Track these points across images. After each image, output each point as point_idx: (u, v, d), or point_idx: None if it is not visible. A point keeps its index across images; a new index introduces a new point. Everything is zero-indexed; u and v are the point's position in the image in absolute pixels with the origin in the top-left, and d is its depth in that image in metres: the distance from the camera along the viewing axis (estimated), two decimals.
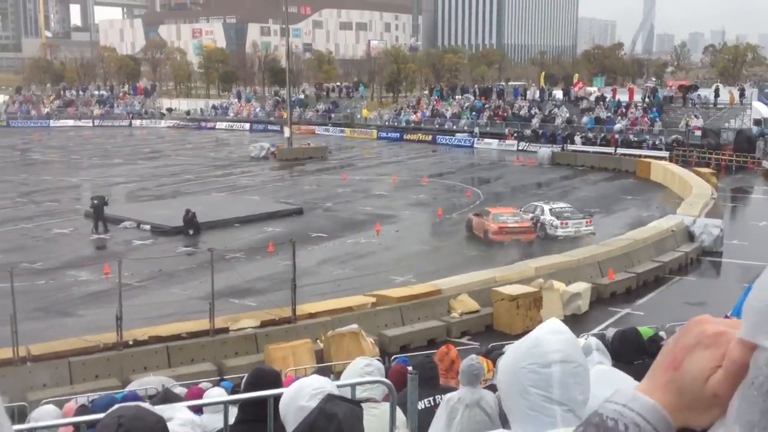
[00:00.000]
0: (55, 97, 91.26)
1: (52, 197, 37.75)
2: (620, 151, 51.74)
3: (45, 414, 6.09)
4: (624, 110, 58.44)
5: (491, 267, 22.61)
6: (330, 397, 2.55)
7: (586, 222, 28.48)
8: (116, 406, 2.40)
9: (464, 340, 17.94)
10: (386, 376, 5.01)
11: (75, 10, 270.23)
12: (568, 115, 59.90)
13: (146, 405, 2.59)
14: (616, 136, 53.96)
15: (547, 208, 28.64)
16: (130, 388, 12.19)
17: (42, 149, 61.13)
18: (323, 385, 2.79)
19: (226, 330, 17.38)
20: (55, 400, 9.97)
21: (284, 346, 16.42)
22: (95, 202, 29.40)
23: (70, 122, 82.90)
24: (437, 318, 18.94)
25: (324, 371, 13.21)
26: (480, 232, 27.76)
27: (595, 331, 15.16)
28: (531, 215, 28.45)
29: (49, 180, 43.68)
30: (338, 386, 3.21)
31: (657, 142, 51.91)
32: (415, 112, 70.24)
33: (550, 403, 1.73)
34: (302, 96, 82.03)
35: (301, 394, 2.70)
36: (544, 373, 1.74)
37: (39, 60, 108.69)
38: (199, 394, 8.61)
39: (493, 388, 5.42)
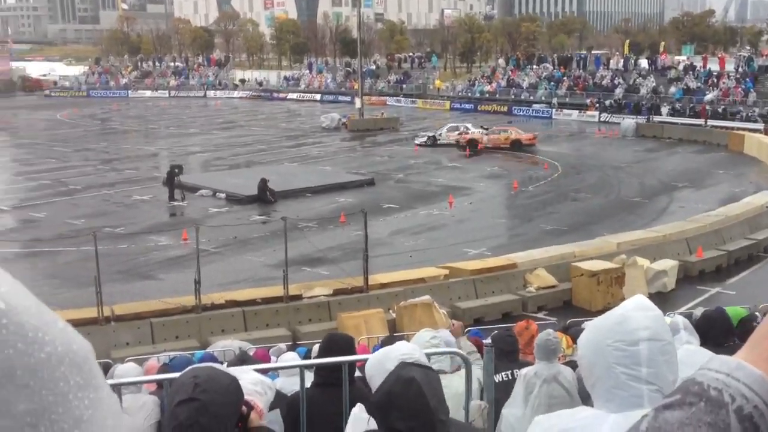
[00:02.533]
0: (133, 68, 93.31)
1: (131, 165, 38.66)
2: (711, 123, 49.65)
3: (126, 371, 6.19)
4: (715, 80, 56.14)
5: (569, 242, 22.17)
6: (404, 364, 2.55)
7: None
8: (191, 367, 2.43)
9: (541, 315, 17.68)
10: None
11: None
12: (654, 85, 58.05)
13: (221, 366, 2.63)
14: (707, 107, 51.86)
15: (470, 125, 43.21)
16: (209, 350, 12.42)
17: (121, 119, 62.67)
18: (411, 351, 2.73)
19: (299, 297, 17.57)
20: (137, 359, 10.20)
21: (357, 315, 16.49)
22: (175, 170, 29.99)
23: (147, 93, 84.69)
24: (512, 292, 18.71)
25: (394, 341, 13.18)
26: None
27: (682, 310, 14.70)
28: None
29: (128, 148, 44.76)
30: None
31: (751, 114, 49.65)
32: (489, 83, 69.20)
33: (637, 381, 1.69)
34: (373, 67, 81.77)
35: (389, 357, 2.67)
36: (631, 351, 1.70)
37: (116, 32, 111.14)
38: (266, 356, 8.68)
39: (572, 364, 5.29)
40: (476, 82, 71.43)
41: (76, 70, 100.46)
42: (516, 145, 41.76)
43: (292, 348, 11.34)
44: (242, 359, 7.27)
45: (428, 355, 4.10)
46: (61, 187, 32.44)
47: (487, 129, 44.05)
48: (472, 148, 41.39)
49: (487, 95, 67.21)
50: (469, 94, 68.99)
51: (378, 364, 2.71)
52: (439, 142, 43.24)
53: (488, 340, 5.97)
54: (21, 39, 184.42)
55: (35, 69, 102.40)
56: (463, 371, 4.47)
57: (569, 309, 18.03)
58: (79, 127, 56.11)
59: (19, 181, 34.94)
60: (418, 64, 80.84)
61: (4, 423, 0.62)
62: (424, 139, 44.26)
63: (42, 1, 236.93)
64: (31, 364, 0.64)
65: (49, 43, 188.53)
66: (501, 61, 76.97)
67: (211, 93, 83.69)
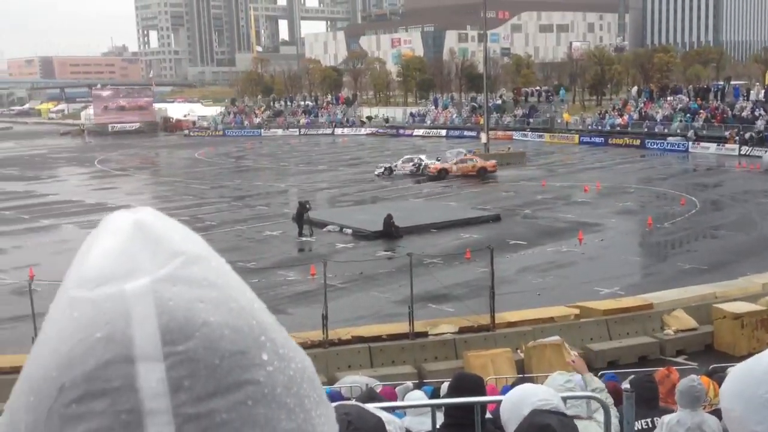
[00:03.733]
0: (266, 108, 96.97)
1: (263, 201, 39.88)
2: None
3: None
4: None
5: (709, 281, 20.95)
6: (540, 411, 2.47)
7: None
8: (337, 404, 2.50)
9: (680, 359, 16.70)
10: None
11: (283, 26, 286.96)
12: None
13: (365, 405, 2.74)
14: None
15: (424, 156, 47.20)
16: (336, 386, 12.40)
17: (254, 157, 65.01)
18: (548, 396, 2.54)
19: (425, 334, 17.37)
20: None
21: (484, 354, 16.09)
22: (304, 207, 30.66)
23: (279, 131, 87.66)
24: (649, 334, 17.78)
25: (525, 383, 12.74)
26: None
27: None
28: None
29: (260, 185, 46.24)
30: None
31: None
32: (621, 116, 67.33)
33: None
34: (499, 101, 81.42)
35: (525, 402, 2.49)
36: None
37: (251, 73, 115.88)
38: (392, 394, 8.52)
39: (717, 413, 4.90)
40: (607, 115, 69.69)
41: (213, 110, 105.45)
42: (482, 173, 45.51)
43: (418, 386, 11.13)
44: (370, 396, 7.21)
45: (564, 399, 3.88)
46: (198, 222, 33.75)
47: (439, 159, 47.57)
48: (442, 176, 44.85)
49: (619, 128, 65.35)
50: (599, 128, 67.32)
51: (514, 408, 2.60)
52: (394, 173, 46.88)
53: (627, 385, 5.61)
54: (163, 81, 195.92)
55: (176, 110, 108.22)
56: (599, 416, 4.28)
57: (711, 353, 16.92)
58: (214, 165, 58.60)
59: None
60: (546, 98, 79.82)
61: None
62: (381, 170, 47.42)
63: (183, 45, 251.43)
64: (285, 382, 0.65)
65: (188, 85, 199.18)
66: (633, 92, 74.85)
67: (339, 130, 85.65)
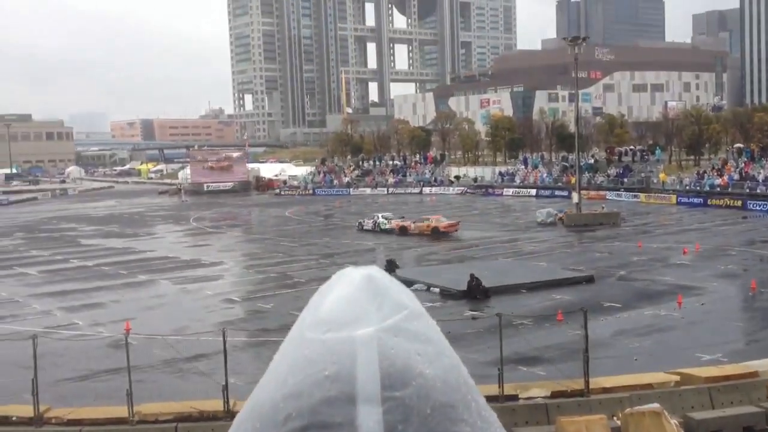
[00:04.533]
0: (355, 167, 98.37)
1: (350, 259, 40.02)
2: None
3: None
4: None
5: None
6: None
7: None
8: None
9: None
10: None
11: (373, 88, 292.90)
12: None
13: None
14: None
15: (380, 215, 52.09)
16: None
17: (342, 215, 65.71)
18: None
19: (515, 397, 16.79)
20: None
21: (577, 420, 15.39)
22: (391, 265, 30.58)
23: (368, 190, 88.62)
24: (754, 403, 16.68)
25: None
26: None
27: None
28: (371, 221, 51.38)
29: (348, 243, 46.56)
30: None
31: None
32: (720, 176, 65.27)
33: None
34: (591, 160, 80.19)
35: None
36: None
37: (340, 134, 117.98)
38: None
39: None
40: (705, 175, 67.63)
41: (304, 170, 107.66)
42: (435, 232, 47.55)
43: None
44: None
45: None
46: (287, 279, 34.12)
47: (402, 218, 52.42)
48: (402, 233, 48.63)
49: (719, 189, 63.25)
50: (698, 188, 65.32)
51: None
52: (364, 227, 52.09)
53: None
54: (256, 143, 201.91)
55: (268, 170, 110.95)
56: None
57: None
58: (304, 224, 59.48)
59: (249, 274, 37.27)
60: (640, 158, 78.14)
61: None
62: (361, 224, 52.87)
63: (276, 107, 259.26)
64: None
65: (280, 145, 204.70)
66: (734, 152, 72.60)
67: (426, 189, 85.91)
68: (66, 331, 25.30)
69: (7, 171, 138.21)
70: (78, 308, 29.39)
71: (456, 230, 48.53)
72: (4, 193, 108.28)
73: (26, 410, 16.08)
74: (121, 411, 16.09)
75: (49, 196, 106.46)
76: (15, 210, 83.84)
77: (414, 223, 49.73)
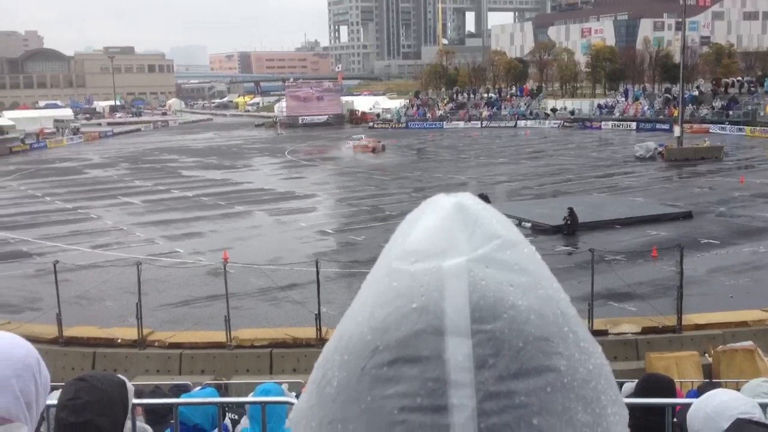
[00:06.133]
0: (449, 101, 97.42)
1: (438, 193, 39.95)
2: None
3: None
4: None
5: None
6: (740, 423, 2.23)
7: None
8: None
9: None
10: None
11: (470, 18, 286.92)
12: None
13: None
14: None
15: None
16: None
17: (435, 149, 65.57)
18: (750, 409, 2.30)
19: (605, 332, 16.73)
20: None
21: (668, 356, 15.29)
22: (486, 199, 30.46)
23: (461, 124, 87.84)
24: None
25: (713, 388, 11.95)
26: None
27: None
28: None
29: (439, 177, 46.56)
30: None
31: None
32: None
33: None
34: (696, 92, 76.91)
35: (723, 415, 2.27)
36: None
37: (435, 66, 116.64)
38: None
39: None
40: None
41: (398, 102, 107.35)
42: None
43: None
44: None
45: (764, 406, 3.59)
46: (378, 212, 34.54)
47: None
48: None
49: None
50: None
51: (709, 420, 2.38)
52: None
53: None
54: (351, 75, 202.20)
55: (362, 103, 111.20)
56: None
57: None
58: (396, 157, 59.67)
59: (342, 206, 37.89)
60: (748, 89, 74.43)
61: (566, 431, 0.63)
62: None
63: (371, 39, 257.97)
64: (584, 375, 0.66)
65: (375, 78, 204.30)
66: None
67: (521, 123, 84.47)
68: (168, 258, 26.52)
69: (112, 103, 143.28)
70: (179, 237, 30.66)
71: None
72: (109, 124, 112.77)
73: (131, 333, 17.09)
74: (219, 336, 16.90)
75: (151, 127, 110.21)
76: (119, 141, 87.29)
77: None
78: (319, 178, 49.10)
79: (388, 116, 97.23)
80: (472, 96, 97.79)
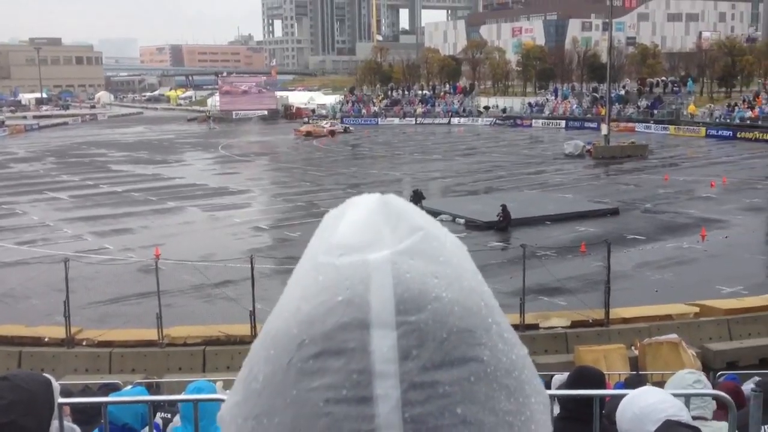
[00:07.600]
0: (383, 97, 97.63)
1: (377, 189, 38.45)
2: None
3: None
4: None
5: None
6: (669, 424, 2.32)
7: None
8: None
9: None
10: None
11: (404, 15, 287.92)
12: None
13: None
14: None
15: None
16: None
17: (370, 145, 65.68)
18: (677, 411, 2.37)
19: (536, 326, 17.09)
20: None
21: (596, 349, 15.71)
22: (420, 195, 30.70)
23: (395, 120, 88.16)
24: None
25: (639, 380, 12.32)
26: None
27: None
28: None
29: (375, 173, 46.69)
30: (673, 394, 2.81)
31: None
32: (751, 108, 64.05)
33: None
34: (622, 92, 78.90)
35: (650, 417, 2.33)
36: None
37: (370, 62, 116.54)
38: None
39: None
40: (736, 107, 66.37)
41: (333, 98, 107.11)
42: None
43: None
44: None
45: (687, 398, 3.71)
46: (314, 209, 34.43)
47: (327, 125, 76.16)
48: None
49: (749, 121, 62.18)
50: (728, 121, 64.23)
51: (636, 421, 2.44)
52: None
53: (751, 386, 5.33)
54: (285, 70, 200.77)
55: (297, 98, 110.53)
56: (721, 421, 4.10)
57: None
58: (331, 153, 59.57)
59: (277, 202, 37.66)
60: (672, 89, 76.73)
61: (489, 419, 0.64)
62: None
63: (305, 34, 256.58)
64: (507, 365, 0.67)
65: (309, 73, 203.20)
66: (766, 84, 71.02)
67: (455, 120, 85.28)
68: (97, 255, 25.93)
69: (38, 95, 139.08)
70: (108, 233, 30.01)
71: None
72: (35, 117, 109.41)
73: (58, 331, 16.68)
74: (150, 333, 16.63)
75: (79, 121, 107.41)
76: (46, 135, 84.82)
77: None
78: (253, 174, 48.67)
79: (324, 112, 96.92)
80: (406, 93, 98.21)
